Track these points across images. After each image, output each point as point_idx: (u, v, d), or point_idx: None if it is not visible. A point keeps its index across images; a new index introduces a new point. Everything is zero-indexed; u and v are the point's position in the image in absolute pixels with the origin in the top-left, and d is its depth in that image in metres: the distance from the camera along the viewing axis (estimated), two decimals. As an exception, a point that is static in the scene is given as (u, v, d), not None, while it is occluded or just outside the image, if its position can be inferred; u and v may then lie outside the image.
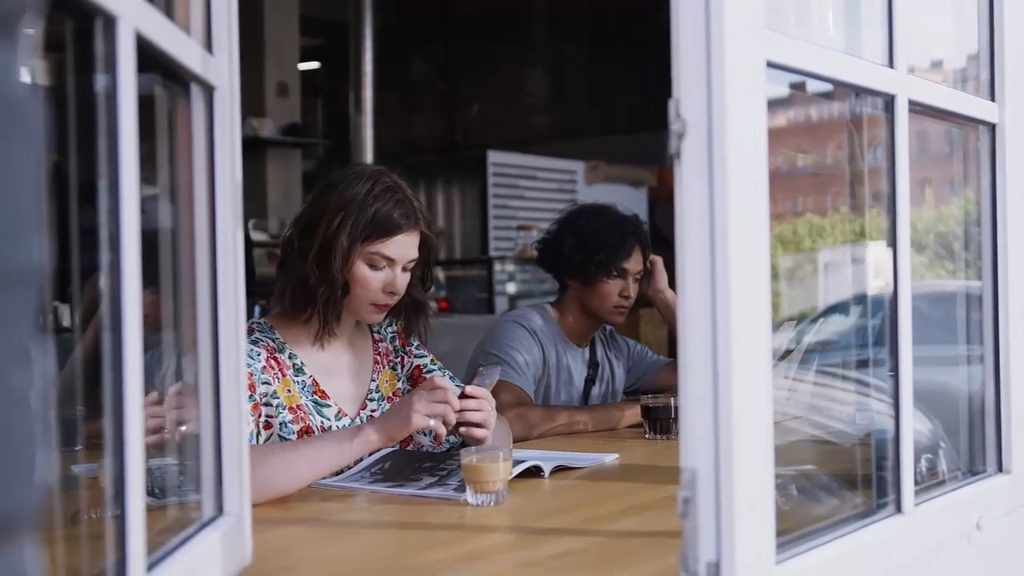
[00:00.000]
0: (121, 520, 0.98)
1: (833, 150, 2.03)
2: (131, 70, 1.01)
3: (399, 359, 2.42)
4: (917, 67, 1.60)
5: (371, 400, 2.32)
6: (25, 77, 0.56)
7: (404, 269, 2.24)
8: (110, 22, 0.99)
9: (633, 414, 2.82)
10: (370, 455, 2.14)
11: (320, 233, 2.17)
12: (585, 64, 9.56)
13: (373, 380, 2.35)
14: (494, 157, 8.00)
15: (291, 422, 2.16)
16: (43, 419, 0.55)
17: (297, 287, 2.21)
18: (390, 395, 2.36)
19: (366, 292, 2.21)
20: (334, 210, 2.18)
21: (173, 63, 1.19)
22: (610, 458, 2.34)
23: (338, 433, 2.09)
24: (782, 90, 1.38)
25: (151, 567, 1.06)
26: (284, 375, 2.19)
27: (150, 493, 1.10)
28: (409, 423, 2.00)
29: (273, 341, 2.22)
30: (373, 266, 2.20)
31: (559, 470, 2.17)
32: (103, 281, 0.99)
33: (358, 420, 2.26)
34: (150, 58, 1.09)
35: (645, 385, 3.19)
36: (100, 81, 1.00)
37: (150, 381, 1.07)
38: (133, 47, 1.01)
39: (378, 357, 2.38)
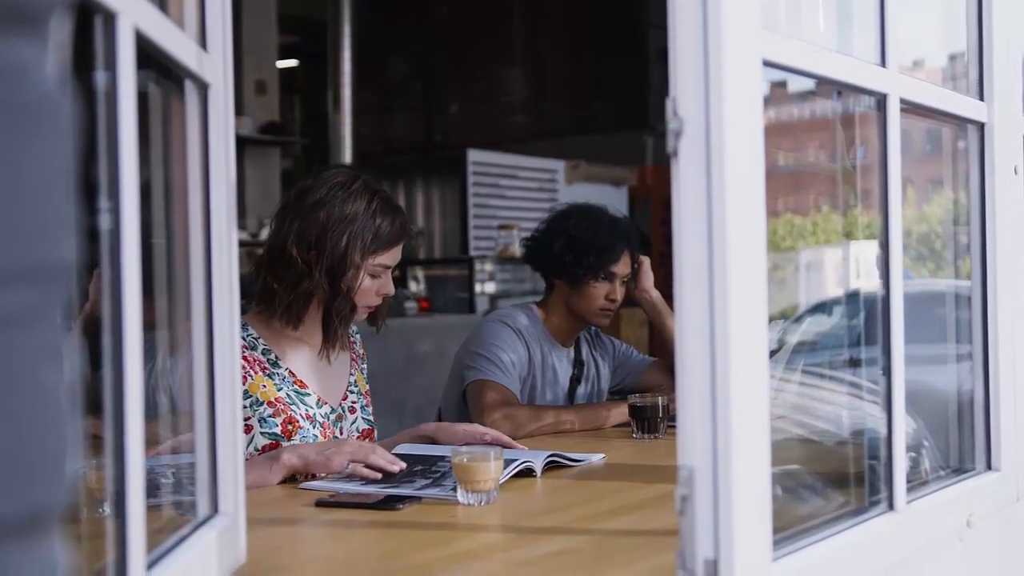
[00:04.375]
0: (121, 520, 0.97)
1: (814, 149, 2.04)
2: (131, 67, 1.00)
3: (364, 366, 2.52)
4: (902, 65, 1.60)
5: (351, 392, 2.41)
6: (55, 73, 0.55)
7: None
8: (110, 18, 0.98)
9: (620, 413, 2.82)
10: None
11: (328, 251, 2.22)
12: (564, 63, 9.57)
13: (351, 374, 2.43)
14: (474, 156, 7.98)
15: (272, 416, 2.20)
16: (72, 417, 0.54)
17: (302, 299, 2.24)
18: (365, 390, 2.46)
19: (364, 300, 2.30)
20: (337, 227, 2.22)
21: (170, 60, 1.18)
22: (597, 458, 2.34)
23: (259, 459, 2.07)
24: (763, 88, 1.38)
25: (150, 566, 1.05)
26: (256, 372, 2.20)
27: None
28: (331, 463, 2.01)
29: (245, 339, 2.24)
30: (374, 276, 2.29)
31: (551, 468, 2.17)
32: (103, 280, 0.97)
33: (340, 409, 2.34)
34: (145, 55, 1.08)
35: (630, 384, 3.18)
36: (99, 77, 0.99)
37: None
38: (133, 43, 1.00)
39: (353, 354, 2.47)
